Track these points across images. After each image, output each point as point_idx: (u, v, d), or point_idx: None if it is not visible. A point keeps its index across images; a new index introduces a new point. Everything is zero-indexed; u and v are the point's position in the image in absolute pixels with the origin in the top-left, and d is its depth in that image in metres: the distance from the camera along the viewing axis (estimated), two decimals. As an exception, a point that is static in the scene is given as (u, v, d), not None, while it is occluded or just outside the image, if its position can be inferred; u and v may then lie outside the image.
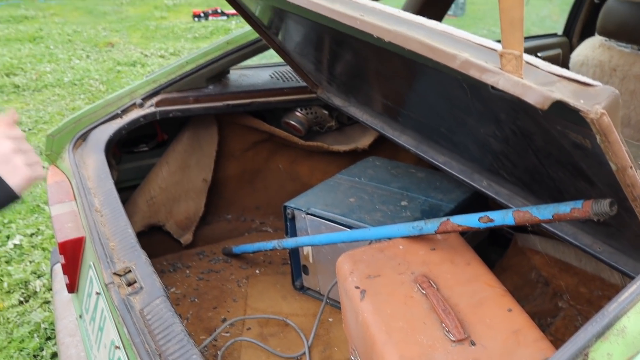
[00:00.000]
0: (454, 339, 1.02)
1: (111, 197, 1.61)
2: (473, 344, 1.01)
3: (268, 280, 2.00)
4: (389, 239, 1.31)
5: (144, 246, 1.37)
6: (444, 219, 1.17)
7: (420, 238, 1.27)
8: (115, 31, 7.22)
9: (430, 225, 1.20)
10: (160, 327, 1.13)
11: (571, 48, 2.90)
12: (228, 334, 1.75)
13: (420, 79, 1.34)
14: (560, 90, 0.78)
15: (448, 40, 0.91)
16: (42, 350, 2.35)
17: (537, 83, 0.78)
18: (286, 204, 1.76)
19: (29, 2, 8.77)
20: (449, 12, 3.43)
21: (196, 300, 1.91)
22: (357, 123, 2.39)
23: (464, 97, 1.14)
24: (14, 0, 8.79)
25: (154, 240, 2.18)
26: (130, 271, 1.30)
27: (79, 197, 1.65)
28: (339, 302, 1.75)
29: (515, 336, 1.01)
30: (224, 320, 1.81)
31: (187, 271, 2.06)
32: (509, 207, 1.37)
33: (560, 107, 0.76)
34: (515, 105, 0.99)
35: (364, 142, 2.32)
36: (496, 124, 1.13)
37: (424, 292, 1.13)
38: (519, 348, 0.99)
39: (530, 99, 0.76)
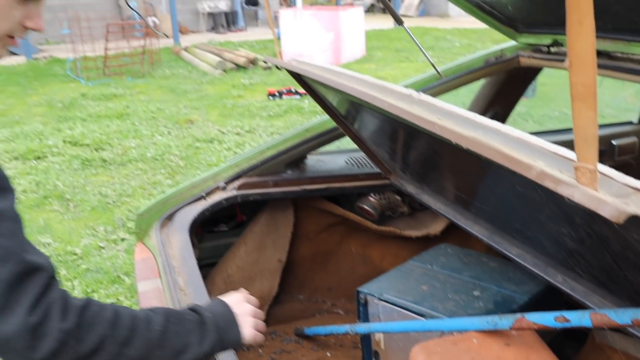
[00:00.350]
0: None
1: (194, 276, 1.71)
2: None
3: (338, 363, 2.02)
4: (463, 331, 1.33)
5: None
6: (519, 315, 1.19)
7: (494, 333, 1.28)
8: (195, 109, 7.64)
9: (504, 321, 1.21)
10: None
11: (647, 136, 2.87)
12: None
13: (495, 176, 1.38)
14: (635, 203, 0.81)
15: (523, 148, 0.97)
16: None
17: (612, 196, 0.82)
18: (359, 288, 1.81)
19: (118, 81, 9.45)
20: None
21: (268, 380, 1.96)
22: (429, 209, 2.42)
23: (538, 198, 1.18)
24: (105, 79, 9.49)
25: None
26: (211, 350, 1.37)
27: (164, 275, 1.75)
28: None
29: None
30: (295, 402, 1.84)
31: (260, 350, 2.11)
32: (586, 305, 1.36)
33: (636, 219, 0.80)
34: (591, 214, 1.02)
35: (436, 228, 2.35)
36: (571, 226, 1.16)
37: (499, 389, 1.13)
38: None
39: (605, 212, 0.79)
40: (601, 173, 0.86)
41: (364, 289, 1.79)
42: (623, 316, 0.99)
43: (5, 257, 0.89)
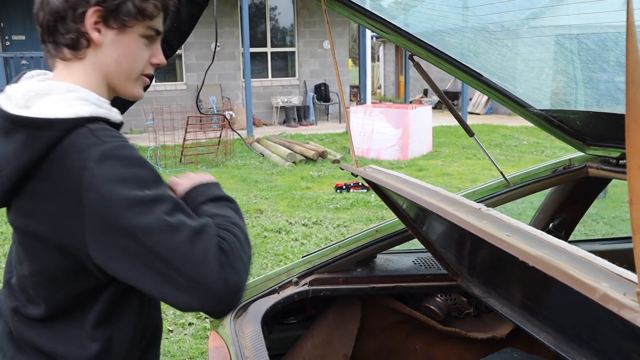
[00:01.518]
0: None
1: (265, 367, 1.79)
2: None
3: None
4: None
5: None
6: None
7: None
8: (265, 199, 7.92)
9: None
10: None
11: None
12: None
13: (561, 290, 1.44)
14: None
15: (587, 268, 1.04)
16: None
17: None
18: None
19: (193, 169, 9.94)
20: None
21: None
22: (495, 311, 2.44)
23: (604, 315, 1.23)
24: (181, 167, 10.01)
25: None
26: None
27: (236, 364, 1.85)
28: None
29: None
30: None
31: None
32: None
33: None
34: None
35: (502, 331, 2.35)
36: (637, 344, 1.19)
37: None
38: None
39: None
40: None
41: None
42: None
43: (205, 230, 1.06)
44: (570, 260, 1.08)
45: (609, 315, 1.22)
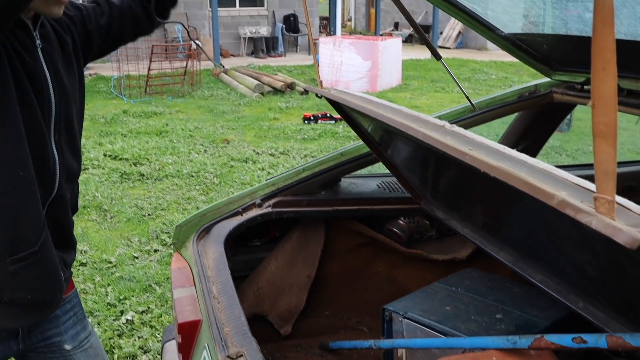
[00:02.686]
0: None
1: (227, 286, 1.80)
2: None
3: (361, 378, 2.08)
4: (483, 349, 1.39)
5: (246, 334, 1.52)
6: (538, 335, 1.24)
7: (513, 352, 1.34)
8: (232, 129, 7.83)
9: (524, 340, 1.27)
10: (266, 405, 1.26)
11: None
12: None
13: (521, 204, 1.45)
14: (649, 232, 0.87)
15: (548, 178, 1.04)
16: None
17: (628, 224, 0.88)
18: (385, 306, 1.87)
19: (159, 100, 9.73)
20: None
21: (292, 390, 2.03)
22: (456, 234, 2.48)
23: (561, 226, 1.24)
24: (146, 98, 9.78)
25: (256, 328, 2.33)
26: (241, 355, 1.45)
27: (199, 283, 1.84)
28: (430, 408, 1.80)
29: None
30: (317, 413, 1.91)
31: (285, 363, 2.19)
32: (605, 331, 1.41)
33: (649, 247, 0.86)
34: (609, 241, 1.08)
35: (463, 253, 2.41)
36: (592, 253, 1.22)
37: (516, 406, 1.19)
38: None
39: (621, 239, 0.86)
40: (618, 204, 0.93)
41: (390, 306, 1.86)
42: (638, 339, 1.05)
43: None
44: (531, 172, 1.08)
45: (565, 226, 1.24)
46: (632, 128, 7.07)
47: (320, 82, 2.11)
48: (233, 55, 15.41)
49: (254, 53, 15.52)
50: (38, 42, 1.25)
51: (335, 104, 2.00)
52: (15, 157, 1.17)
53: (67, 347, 1.49)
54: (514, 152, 1.17)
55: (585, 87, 2.18)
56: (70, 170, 1.34)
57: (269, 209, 2.17)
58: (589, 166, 2.90)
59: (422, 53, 15.65)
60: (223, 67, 11.27)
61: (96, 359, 1.57)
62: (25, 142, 1.17)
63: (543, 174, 1.07)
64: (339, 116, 2.04)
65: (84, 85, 1.43)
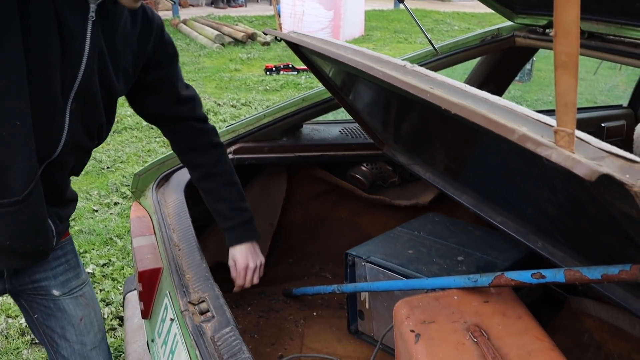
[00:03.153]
0: (501, 386, 1.09)
1: (188, 233, 1.77)
2: (520, 393, 1.08)
3: (324, 322, 2.10)
4: (445, 289, 1.40)
5: (211, 281, 1.51)
6: (498, 273, 1.26)
7: (474, 290, 1.35)
8: (192, 80, 7.65)
9: (485, 279, 1.28)
10: (229, 353, 1.25)
11: (636, 120, 2.94)
12: (284, 371, 1.86)
13: (482, 144, 1.45)
14: (608, 165, 0.87)
15: (509, 115, 1.03)
16: (108, 374, 2.50)
17: (587, 157, 0.88)
18: (348, 251, 1.88)
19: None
20: (516, 78, 3.53)
21: (256, 336, 2.03)
22: (419, 180, 2.49)
23: (521, 164, 1.24)
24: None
25: (219, 277, 2.32)
26: (203, 301, 1.43)
27: (159, 231, 1.81)
28: (392, 349, 1.83)
29: (562, 389, 1.07)
30: (281, 356, 1.92)
31: (249, 308, 2.19)
32: (562, 269, 1.44)
33: (607, 180, 0.86)
34: (568, 176, 1.09)
35: (425, 198, 2.42)
36: (551, 191, 1.22)
37: (475, 340, 1.21)
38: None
39: (580, 171, 0.85)
40: (578, 138, 0.93)
41: (352, 251, 1.87)
42: (594, 272, 1.06)
43: None
44: (492, 108, 1.06)
45: (526, 164, 1.24)
46: (590, 78, 7.17)
47: (280, 25, 2.05)
48: (192, 5, 14.95)
49: (213, 3, 15.07)
50: (92, 14, 1.22)
51: (296, 48, 1.94)
52: (12, 106, 1.15)
53: (55, 292, 1.49)
54: (475, 90, 1.15)
55: (547, 30, 2.17)
56: (80, 143, 1.32)
57: (230, 156, 2.13)
58: (550, 112, 2.94)
59: (385, 4, 15.45)
60: (174, 2, 10.92)
61: (86, 308, 1.56)
62: (27, 94, 1.15)
63: (504, 110, 1.06)
64: (302, 67, 1.99)
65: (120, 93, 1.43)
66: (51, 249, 1.39)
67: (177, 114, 1.62)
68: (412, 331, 1.26)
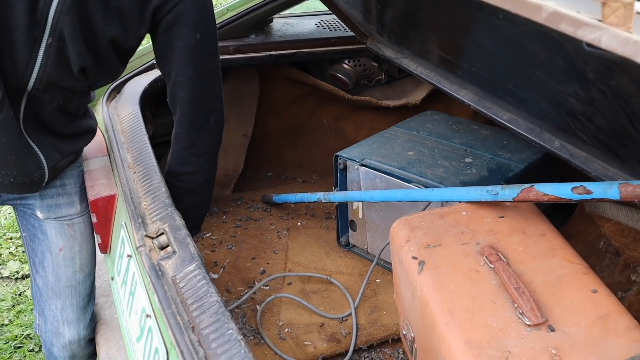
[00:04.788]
0: (529, 322, 0.90)
1: (145, 153, 1.54)
2: (552, 329, 0.88)
3: (310, 234, 1.91)
4: (456, 202, 1.18)
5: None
6: (527, 185, 1.02)
7: (486, 204, 1.14)
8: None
9: (508, 192, 1.05)
10: (194, 297, 1.04)
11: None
12: (267, 287, 1.68)
13: (486, 29, 1.18)
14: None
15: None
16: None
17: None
18: (338, 153, 1.67)
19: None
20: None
21: (233, 248, 1.85)
22: (408, 76, 2.27)
23: (541, 52, 0.98)
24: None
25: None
26: (162, 234, 1.21)
27: (112, 152, 1.58)
28: (388, 263, 1.65)
29: (603, 323, 0.88)
30: (263, 272, 1.74)
31: (224, 216, 2.01)
32: (586, 172, 1.22)
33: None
34: (613, 64, 0.82)
35: (416, 96, 2.22)
36: (580, 83, 0.98)
37: (492, 266, 1.00)
38: (607, 337, 0.86)
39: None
40: (638, 13, 0.65)
41: (344, 153, 1.66)
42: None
43: None
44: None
45: (546, 50, 0.98)
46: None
47: None
48: None
49: None
50: None
51: None
52: None
53: (39, 214, 1.48)
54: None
55: None
56: (58, 80, 1.25)
57: (190, 59, 1.86)
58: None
59: None
60: None
61: (70, 240, 1.50)
62: None
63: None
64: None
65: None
66: (42, 181, 1.36)
67: None
68: (415, 258, 1.05)
